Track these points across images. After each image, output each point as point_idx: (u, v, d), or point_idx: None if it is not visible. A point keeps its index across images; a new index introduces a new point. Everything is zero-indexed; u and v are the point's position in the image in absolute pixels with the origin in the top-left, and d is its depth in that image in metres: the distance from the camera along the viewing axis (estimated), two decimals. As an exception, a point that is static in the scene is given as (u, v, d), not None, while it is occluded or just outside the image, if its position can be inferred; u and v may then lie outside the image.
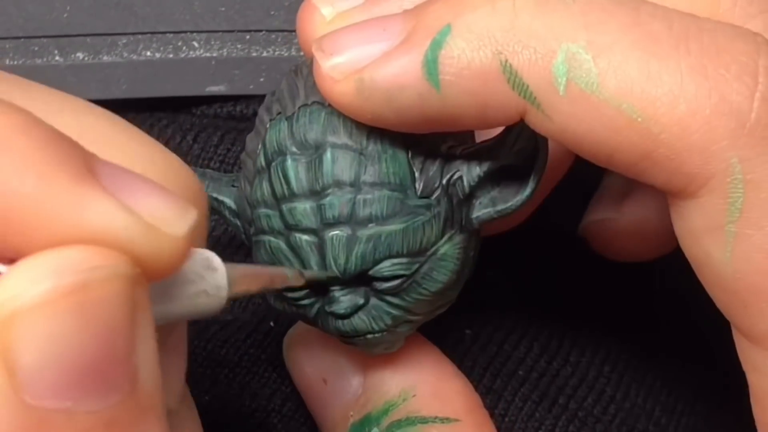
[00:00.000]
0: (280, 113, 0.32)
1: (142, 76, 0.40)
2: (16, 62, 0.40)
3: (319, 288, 0.31)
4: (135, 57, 0.40)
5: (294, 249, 0.31)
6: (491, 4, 0.29)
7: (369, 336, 0.31)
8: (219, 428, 0.29)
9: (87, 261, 0.22)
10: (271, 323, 0.35)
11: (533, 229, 0.38)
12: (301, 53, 0.40)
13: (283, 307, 0.32)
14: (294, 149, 0.31)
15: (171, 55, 0.40)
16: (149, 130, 0.39)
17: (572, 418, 0.36)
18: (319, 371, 0.34)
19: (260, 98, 0.40)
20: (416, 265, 0.31)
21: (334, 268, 0.30)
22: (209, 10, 0.40)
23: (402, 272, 0.31)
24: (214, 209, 0.33)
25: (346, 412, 0.33)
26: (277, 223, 0.31)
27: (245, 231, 0.33)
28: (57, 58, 0.40)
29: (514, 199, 0.31)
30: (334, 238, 0.30)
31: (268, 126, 0.32)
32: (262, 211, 0.32)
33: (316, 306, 0.32)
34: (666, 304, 0.41)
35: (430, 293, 0.31)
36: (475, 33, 0.29)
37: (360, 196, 0.30)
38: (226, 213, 0.33)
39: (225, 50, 0.40)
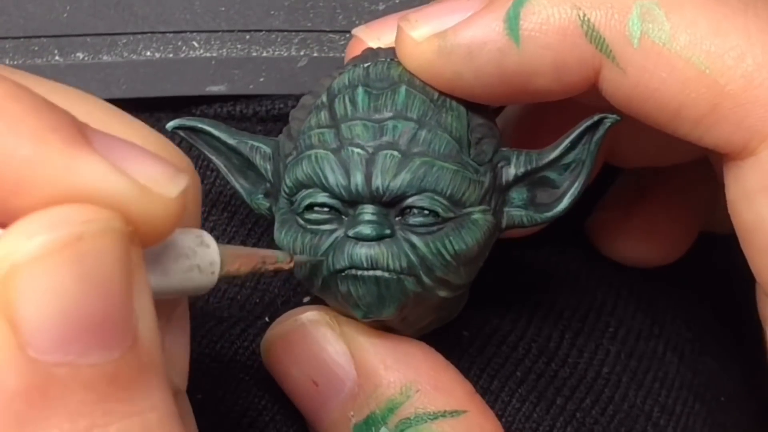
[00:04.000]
0: (355, 65, 0.33)
1: (142, 76, 0.40)
2: (16, 62, 0.40)
3: (348, 210, 0.31)
4: (135, 57, 0.40)
5: (342, 161, 0.31)
6: None
7: (379, 274, 0.31)
8: (211, 424, 0.29)
9: (80, 216, 0.23)
10: (267, 319, 0.35)
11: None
12: (301, 53, 0.40)
13: (293, 239, 0.32)
14: (368, 83, 0.32)
15: (171, 55, 0.40)
16: (149, 131, 0.39)
17: (570, 419, 0.35)
18: (307, 373, 0.33)
19: (260, 98, 0.40)
20: (451, 214, 0.31)
21: (379, 182, 0.31)
22: (209, 10, 0.40)
23: (438, 209, 0.31)
24: (248, 159, 0.34)
25: (344, 413, 0.33)
26: (330, 138, 0.32)
27: (274, 173, 0.33)
28: (57, 58, 0.40)
29: (544, 212, 0.33)
30: (388, 155, 0.31)
31: (337, 75, 0.33)
32: (315, 131, 0.32)
33: (335, 234, 0.31)
34: (666, 306, 0.40)
35: (453, 251, 0.31)
36: None
37: (422, 131, 0.31)
38: (257, 158, 0.34)
39: (225, 50, 0.40)
